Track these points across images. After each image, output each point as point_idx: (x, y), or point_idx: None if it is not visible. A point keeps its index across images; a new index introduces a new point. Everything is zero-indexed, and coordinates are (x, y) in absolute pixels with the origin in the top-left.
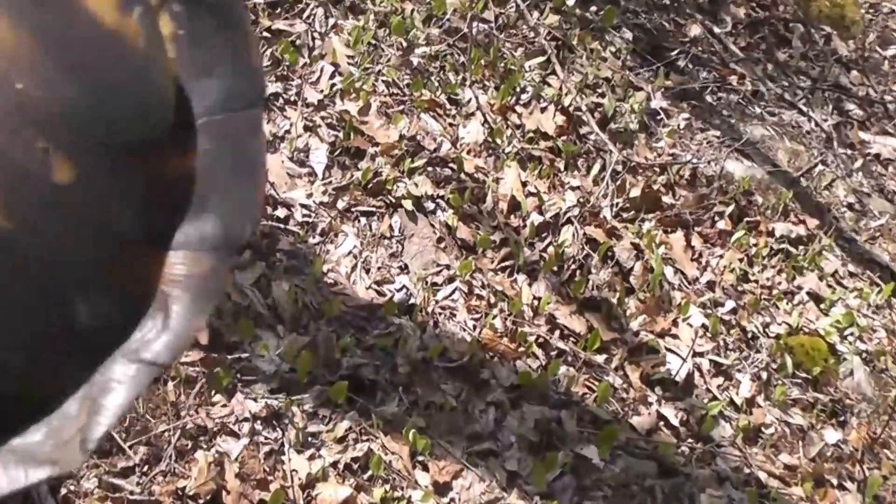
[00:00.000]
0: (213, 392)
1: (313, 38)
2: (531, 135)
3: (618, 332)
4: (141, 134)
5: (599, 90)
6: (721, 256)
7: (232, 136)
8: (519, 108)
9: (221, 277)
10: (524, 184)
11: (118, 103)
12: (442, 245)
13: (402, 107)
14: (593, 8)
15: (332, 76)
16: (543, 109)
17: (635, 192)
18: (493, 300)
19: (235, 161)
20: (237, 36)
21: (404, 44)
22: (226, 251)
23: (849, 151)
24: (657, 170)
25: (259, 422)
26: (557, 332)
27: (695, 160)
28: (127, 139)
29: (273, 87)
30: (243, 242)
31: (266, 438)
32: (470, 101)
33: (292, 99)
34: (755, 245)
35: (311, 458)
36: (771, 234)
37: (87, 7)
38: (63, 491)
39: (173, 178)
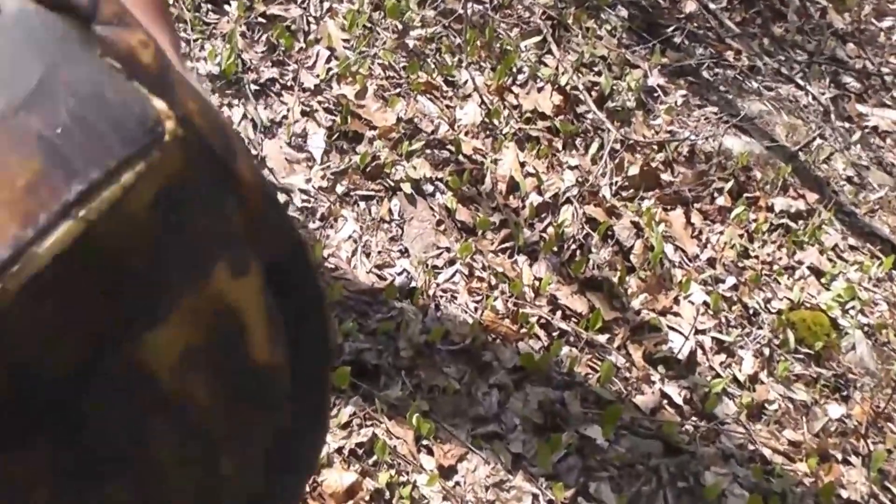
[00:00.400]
0: None
1: (308, 23)
2: (528, 115)
3: (619, 312)
4: None
5: (596, 69)
6: (721, 233)
7: None
8: (516, 89)
9: None
10: (522, 164)
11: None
12: (441, 228)
13: (398, 90)
14: None
15: (328, 60)
16: (540, 89)
17: (634, 171)
18: (493, 282)
19: None
20: None
21: (399, 26)
22: None
23: (847, 124)
24: (655, 147)
25: None
26: (559, 313)
27: (693, 137)
28: None
29: (269, 73)
30: None
31: None
32: (466, 82)
33: (289, 84)
34: (755, 221)
35: None
36: (770, 209)
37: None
38: None
39: None
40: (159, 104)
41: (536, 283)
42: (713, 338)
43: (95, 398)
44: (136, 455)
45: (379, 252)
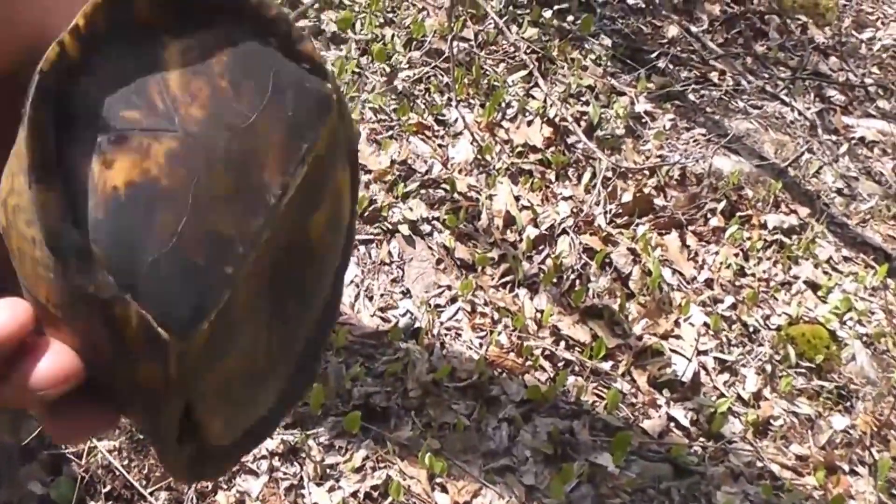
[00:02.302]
0: None
1: None
2: (520, 149)
3: (622, 338)
4: None
5: (583, 98)
6: (716, 253)
7: None
8: (506, 124)
9: None
10: (517, 198)
11: None
12: (441, 266)
13: (390, 132)
14: (570, 17)
15: None
16: (530, 123)
17: (627, 197)
18: (496, 317)
19: None
20: None
21: (387, 69)
22: None
23: (834, 137)
24: (647, 173)
25: (277, 458)
26: (563, 343)
27: (683, 160)
28: None
29: None
30: None
31: (285, 474)
32: (457, 120)
33: None
34: (749, 239)
35: (331, 489)
36: (764, 226)
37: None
38: None
39: None
40: (327, 87)
41: (538, 315)
42: (715, 358)
43: None
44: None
45: (381, 295)
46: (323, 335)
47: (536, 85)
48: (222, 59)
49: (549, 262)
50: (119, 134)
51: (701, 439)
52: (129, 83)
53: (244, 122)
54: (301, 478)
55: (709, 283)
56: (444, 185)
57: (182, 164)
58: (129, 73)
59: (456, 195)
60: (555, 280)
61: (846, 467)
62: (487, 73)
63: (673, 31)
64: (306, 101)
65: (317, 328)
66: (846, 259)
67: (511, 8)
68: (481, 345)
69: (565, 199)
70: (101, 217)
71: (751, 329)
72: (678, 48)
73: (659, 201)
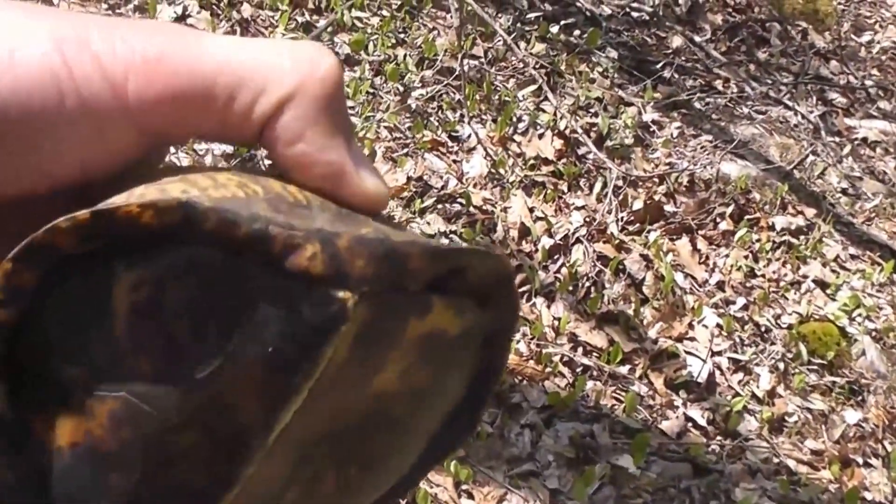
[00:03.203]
0: None
1: None
2: (532, 161)
3: (638, 342)
4: None
5: (592, 110)
6: (727, 256)
7: None
8: (517, 137)
9: None
10: (531, 210)
11: None
12: None
13: (406, 150)
14: (577, 32)
15: None
16: (541, 136)
17: (638, 205)
18: None
19: None
20: None
21: (401, 89)
22: None
23: (837, 139)
24: (656, 180)
25: None
26: (580, 349)
27: (691, 166)
28: None
29: None
30: None
31: None
32: (470, 136)
33: None
34: (758, 241)
35: None
36: (772, 228)
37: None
38: None
39: None
40: (337, 294)
41: (556, 322)
42: (729, 358)
43: None
44: None
45: None
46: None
47: (546, 98)
48: (180, 293)
49: (564, 270)
50: (63, 392)
51: (718, 438)
52: (74, 329)
53: (203, 372)
54: None
55: (720, 286)
56: (459, 200)
57: (127, 424)
58: (76, 315)
59: (472, 209)
60: (570, 288)
61: (860, 460)
62: (498, 88)
63: (677, 41)
64: (297, 329)
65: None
66: (853, 257)
67: (519, 25)
68: None
69: (578, 208)
70: (52, 479)
71: (763, 329)
72: (683, 58)
73: (669, 208)
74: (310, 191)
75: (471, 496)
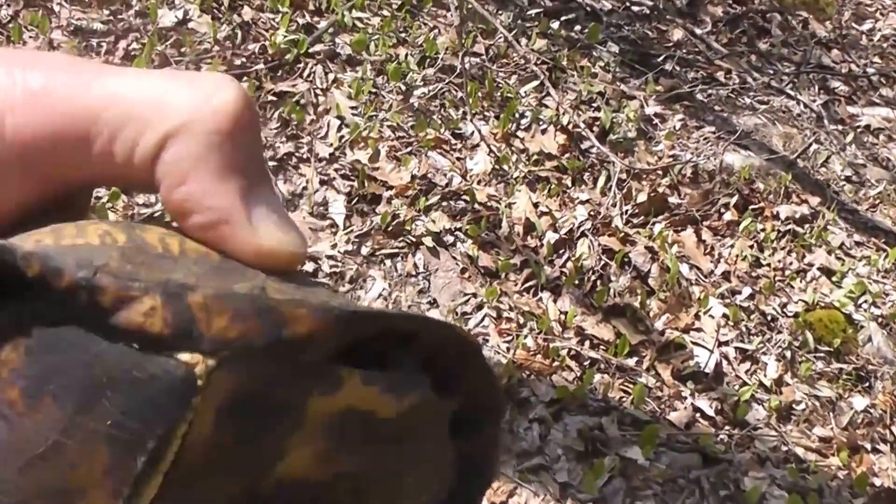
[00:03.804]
0: None
1: (316, 95)
2: (536, 157)
3: (644, 334)
4: None
5: (594, 105)
6: (732, 246)
7: None
8: (521, 133)
9: None
10: (536, 205)
11: None
12: (466, 275)
13: (409, 148)
14: (577, 27)
15: (339, 129)
16: (544, 131)
17: (642, 198)
18: (522, 321)
19: None
20: None
21: (403, 88)
22: None
23: (840, 127)
24: (660, 173)
25: None
26: (587, 343)
27: (694, 158)
28: None
29: (285, 148)
30: None
31: None
32: (473, 133)
33: (305, 156)
34: (763, 230)
35: None
36: (776, 217)
37: None
38: None
39: None
40: (183, 357)
41: (562, 316)
42: (736, 347)
43: None
44: None
45: (409, 306)
46: None
47: (548, 94)
48: (12, 357)
49: (569, 264)
50: None
51: (727, 427)
52: None
53: (39, 448)
54: None
55: (726, 276)
56: (464, 197)
57: None
58: None
59: (476, 205)
60: (576, 282)
61: (868, 446)
62: (500, 85)
63: (678, 34)
64: (139, 400)
65: None
66: (858, 244)
67: (519, 21)
68: (509, 349)
69: (582, 202)
70: None
71: (769, 317)
72: (684, 50)
73: (673, 199)
74: (198, 241)
75: None
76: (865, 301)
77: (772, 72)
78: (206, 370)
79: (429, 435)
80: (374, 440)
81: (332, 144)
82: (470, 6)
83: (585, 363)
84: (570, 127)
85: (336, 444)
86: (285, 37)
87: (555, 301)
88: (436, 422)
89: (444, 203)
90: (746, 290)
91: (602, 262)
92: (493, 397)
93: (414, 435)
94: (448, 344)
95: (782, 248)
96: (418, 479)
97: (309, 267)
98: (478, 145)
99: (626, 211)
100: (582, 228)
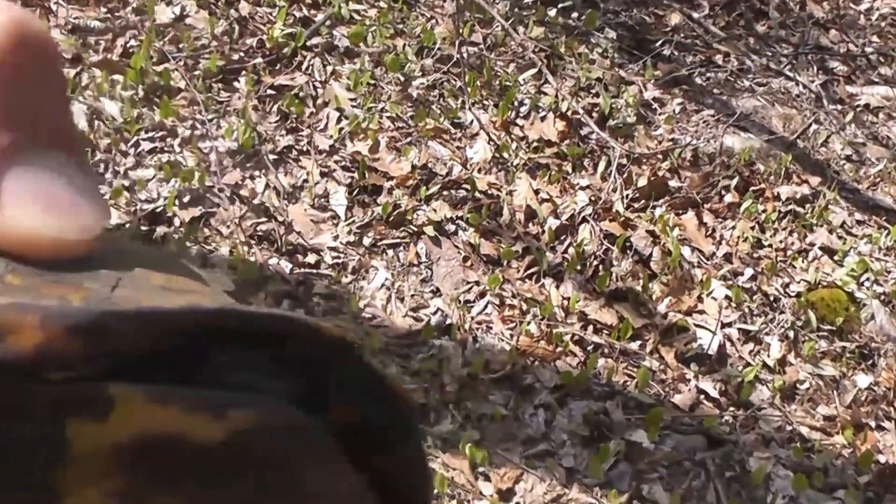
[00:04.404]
0: None
1: (315, 88)
2: (536, 144)
3: (647, 318)
4: None
5: (593, 91)
6: (733, 228)
7: None
8: (520, 121)
9: None
10: (536, 192)
11: None
12: (468, 263)
13: (409, 139)
14: (574, 14)
15: (338, 121)
16: (543, 118)
17: (642, 182)
18: (524, 307)
19: None
20: None
21: (402, 78)
22: None
23: (839, 107)
24: (660, 157)
25: None
26: (590, 328)
27: (694, 141)
28: None
29: (285, 141)
30: None
31: None
32: (472, 122)
33: (305, 149)
34: (764, 211)
35: None
36: (777, 198)
37: None
38: None
39: None
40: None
41: (565, 302)
42: (739, 329)
43: None
44: None
45: (412, 295)
46: None
47: (547, 81)
48: None
49: (571, 250)
50: None
51: (731, 409)
52: None
53: None
54: None
55: (728, 258)
56: (465, 186)
57: None
58: None
59: (477, 194)
60: (578, 267)
61: (872, 423)
62: (498, 73)
63: (675, 18)
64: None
65: None
66: (859, 222)
67: (516, 10)
68: (512, 335)
69: (583, 188)
70: None
71: (771, 298)
72: (682, 35)
73: (674, 183)
74: None
75: (487, 478)
76: (867, 279)
77: (770, 53)
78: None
79: (304, 462)
80: (203, 471)
81: (331, 136)
82: None
83: (589, 348)
84: (569, 113)
85: (144, 479)
86: (283, 30)
87: (557, 287)
88: (310, 445)
89: (445, 192)
90: (748, 272)
91: (604, 247)
92: (386, 408)
93: (274, 463)
94: (314, 344)
95: (783, 229)
96: None
97: (312, 260)
98: (477, 134)
99: (627, 195)
100: (583, 214)
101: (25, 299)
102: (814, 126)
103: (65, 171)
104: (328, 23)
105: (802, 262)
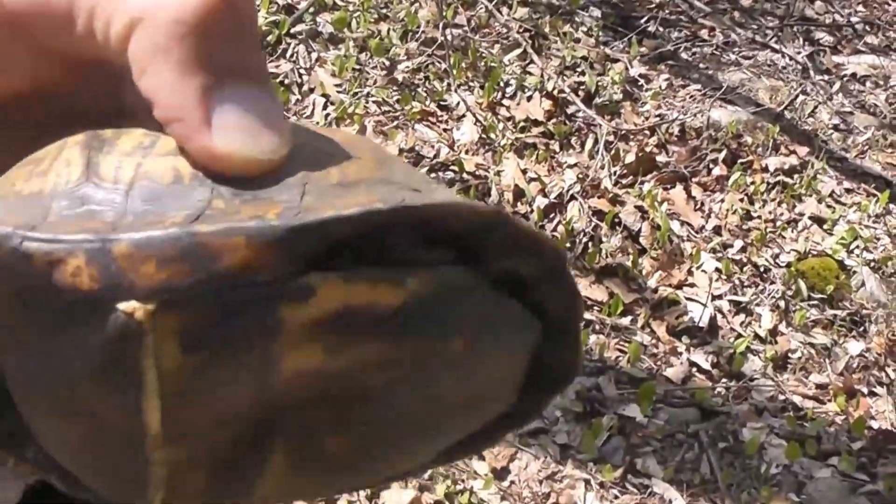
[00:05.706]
0: None
1: (300, 75)
2: (522, 124)
3: (638, 293)
4: None
5: (579, 69)
6: (722, 201)
7: None
8: (506, 102)
9: None
10: (524, 171)
11: None
12: None
13: (396, 122)
14: None
15: (324, 107)
16: (529, 98)
17: (630, 158)
18: None
19: None
20: None
21: (387, 63)
22: None
23: (826, 77)
24: (647, 133)
25: None
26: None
27: (681, 116)
28: None
29: None
30: None
31: None
32: (458, 104)
33: None
34: (752, 183)
35: None
36: (765, 169)
37: None
38: None
39: None
40: (121, 306)
41: None
42: (730, 301)
43: None
44: None
45: None
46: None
47: (532, 61)
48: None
49: (560, 228)
50: None
51: (723, 380)
52: None
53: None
54: None
55: (717, 230)
56: (452, 167)
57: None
58: None
59: (465, 175)
60: (568, 245)
61: (865, 390)
62: (483, 55)
63: None
64: (98, 348)
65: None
66: (848, 191)
67: None
68: None
69: (571, 166)
70: None
71: (761, 269)
72: (667, 11)
73: (661, 158)
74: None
75: (482, 457)
76: (857, 247)
77: (755, 27)
78: (146, 315)
79: (465, 308)
80: (388, 327)
81: (318, 122)
82: None
83: (580, 325)
84: (555, 93)
85: (343, 338)
86: (266, 18)
87: None
88: (472, 293)
89: (433, 174)
90: (738, 244)
91: (593, 224)
92: (535, 256)
93: (443, 312)
94: (465, 222)
95: (772, 200)
96: (467, 347)
97: None
98: (464, 116)
99: (615, 172)
100: (571, 192)
101: (232, 223)
102: (801, 97)
103: (258, 102)
104: (312, 9)
105: (792, 232)
